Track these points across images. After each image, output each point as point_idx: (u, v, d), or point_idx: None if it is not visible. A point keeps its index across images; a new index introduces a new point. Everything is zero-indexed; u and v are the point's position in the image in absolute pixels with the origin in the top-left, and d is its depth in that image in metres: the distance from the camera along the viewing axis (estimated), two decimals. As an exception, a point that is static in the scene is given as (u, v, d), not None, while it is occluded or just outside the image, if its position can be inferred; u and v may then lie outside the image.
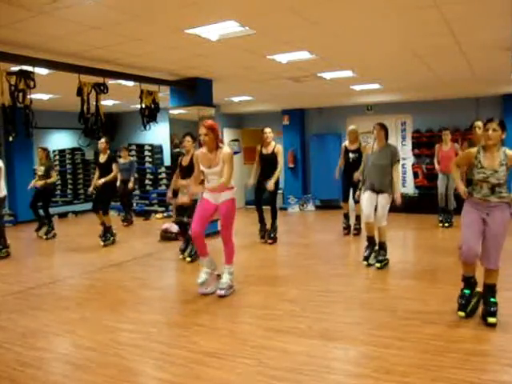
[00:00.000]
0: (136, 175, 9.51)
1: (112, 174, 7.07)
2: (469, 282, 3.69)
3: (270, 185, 6.70)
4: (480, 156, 3.49)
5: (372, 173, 5.33)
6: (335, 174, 7.54)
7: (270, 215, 6.92)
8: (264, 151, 6.87)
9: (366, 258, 5.46)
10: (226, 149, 4.39)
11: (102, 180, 6.99)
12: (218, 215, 4.50)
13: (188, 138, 5.91)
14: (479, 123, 5.46)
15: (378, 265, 5.28)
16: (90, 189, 7.48)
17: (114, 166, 7.15)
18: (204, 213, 4.43)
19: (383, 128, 5.35)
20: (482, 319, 3.51)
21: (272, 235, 6.96)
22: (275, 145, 6.87)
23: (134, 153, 11.45)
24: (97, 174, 7.29)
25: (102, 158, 7.23)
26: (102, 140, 7.02)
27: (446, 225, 7.73)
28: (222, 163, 4.30)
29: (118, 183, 9.45)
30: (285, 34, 5.07)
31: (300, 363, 2.97)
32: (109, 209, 7.36)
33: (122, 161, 9.42)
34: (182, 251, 6.07)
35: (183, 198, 5.72)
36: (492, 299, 3.52)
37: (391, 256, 5.49)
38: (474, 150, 3.60)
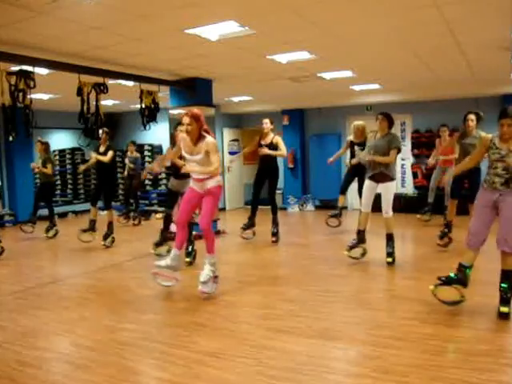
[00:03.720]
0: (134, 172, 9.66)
1: (108, 156, 6.99)
2: (462, 269, 3.72)
3: (264, 150, 6.65)
4: (495, 140, 3.66)
5: (372, 161, 5.33)
6: (330, 158, 7.41)
7: (271, 211, 6.91)
8: (262, 142, 6.81)
9: (350, 248, 5.45)
10: (209, 139, 4.28)
11: (99, 157, 7.00)
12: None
13: (181, 128, 5.92)
14: (472, 116, 5.70)
15: (389, 259, 5.29)
16: (82, 167, 7.74)
17: (109, 152, 7.07)
18: (190, 201, 4.43)
19: (386, 117, 5.36)
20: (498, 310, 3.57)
21: (275, 231, 6.91)
22: (274, 136, 6.80)
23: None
24: (94, 155, 7.26)
25: (102, 149, 7.18)
26: (101, 131, 6.89)
27: (427, 218, 8.04)
28: (205, 153, 4.23)
29: (125, 176, 9.66)
30: (285, 34, 5.08)
31: (299, 363, 2.97)
32: (111, 203, 7.33)
33: (129, 154, 9.80)
34: (157, 245, 6.01)
35: (152, 166, 6.03)
36: (503, 285, 3.56)
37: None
38: (488, 136, 3.73)
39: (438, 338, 3.27)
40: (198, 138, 4.29)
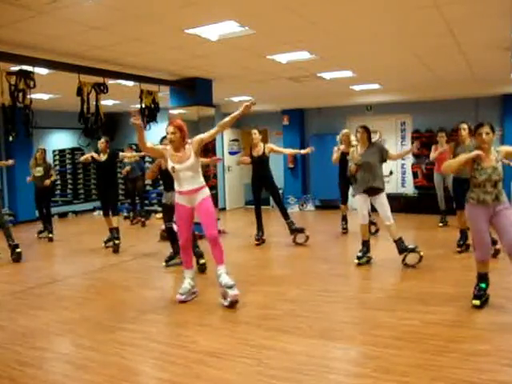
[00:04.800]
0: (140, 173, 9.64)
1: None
2: (485, 277, 3.86)
3: (311, 148, 7.23)
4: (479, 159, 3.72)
5: (362, 173, 5.31)
6: (334, 157, 7.26)
7: (282, 214, 6.83)
8: (254, 154, 6.81)
9: (359, 258, 5.46)
10: (192, 139, 4.31)
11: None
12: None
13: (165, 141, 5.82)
14: (464, 125, 5.67)
15: (416, 254, 5.22)
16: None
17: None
18: (184, 220, 4.32)
19: (366, 131, 5.38)
20: None
21: (295, 228, 6.80)
22: (264, 145, 6.81)
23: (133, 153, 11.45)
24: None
25: (103, 157, 7.18)
26: (102, 140, 6.98)
27: (445, 222, 7.89)
28: (194, 155, 4.22)
29: (126, 178, 9.61)
30: (285, 33, 5.08)
31: (300, 363, 2.97)
32: (118, 208, 7.30)
33: (127, 160, 9.56)
34: (167, 261, 5.83)
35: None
36: None
37: (390, 255, 5.49)
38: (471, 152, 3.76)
39: (438, 337, 3.26)
40: (181, 147, 4.26)
